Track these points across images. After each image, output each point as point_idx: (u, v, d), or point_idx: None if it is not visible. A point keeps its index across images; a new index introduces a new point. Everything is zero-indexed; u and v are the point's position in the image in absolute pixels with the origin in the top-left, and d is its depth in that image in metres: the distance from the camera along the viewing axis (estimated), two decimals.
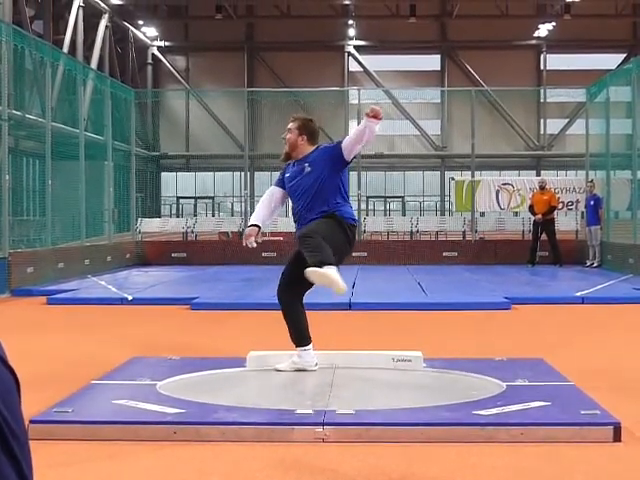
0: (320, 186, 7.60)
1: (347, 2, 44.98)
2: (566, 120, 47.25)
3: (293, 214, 7.76)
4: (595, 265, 22.84)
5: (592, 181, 24.54)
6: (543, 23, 46.95)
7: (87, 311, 14.25)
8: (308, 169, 7.61)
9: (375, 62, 48.60)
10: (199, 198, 47.76)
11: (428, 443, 5.60)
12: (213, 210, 47.16)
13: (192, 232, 28.47)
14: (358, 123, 7.79)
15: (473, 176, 28.04)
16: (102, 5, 39.36)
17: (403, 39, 47.00)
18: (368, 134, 7.36)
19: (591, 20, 45.40)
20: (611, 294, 15.74)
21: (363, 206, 29.77)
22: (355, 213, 7.90)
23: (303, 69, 46.37)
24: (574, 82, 38.27)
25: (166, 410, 6.08)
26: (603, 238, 23.14)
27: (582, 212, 24.46)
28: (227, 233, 29.88)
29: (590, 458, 5.30)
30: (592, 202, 23.31)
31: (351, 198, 8.05)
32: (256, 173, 44.84)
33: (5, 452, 1.58)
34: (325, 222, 7.42)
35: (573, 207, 27.08)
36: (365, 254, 22.27)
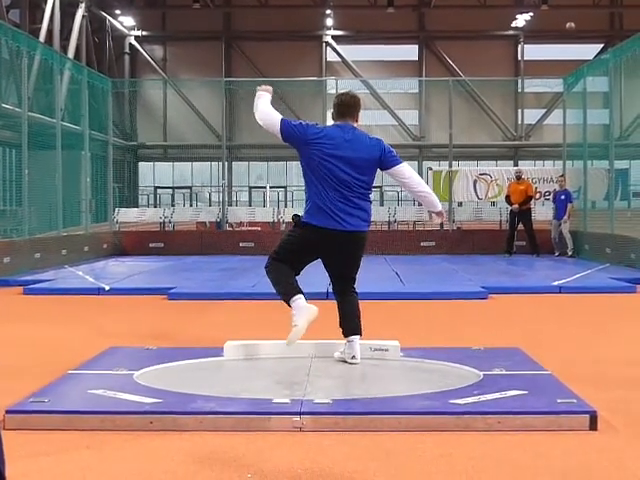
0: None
1: None
2: (543, 110, 47.45)
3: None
4: (570, 254, 22.89)
5: (563, 175, 24.66)
6: (521, 13, 47.09)
7: (64, 301, 14.22)
8: None
9: (353, 52, 48.62)
10: (177, 188, 47.69)
11: (405, 432, 5.61)
12: (191, 200, 47.12)
13: (170, 222, 28.43)
14: None
15: (451, 166, 28.11)
16: None
17: (381, 29, 47.06)
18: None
19: (568, 10, 45.48)
20: (588, 283, 15.79)
21: None
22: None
23: (281, 59, 46.33)
24: (551, 72, 38.48)
25: (143, 400, 6.07)
26: (580, 228, 23.20)
27: (554, 205, 24.41)
28: (205, 223, 29.85)
29: (566, 446, 5.33)
30: (562, 197, 23.35)
31: None
32: (234, 163, 44.80)
33: None
34: None
35: (550, 197, 27.17)
36: None
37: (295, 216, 7.58)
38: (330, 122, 7.75)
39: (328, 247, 7.47)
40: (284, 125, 7.43)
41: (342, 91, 8.08)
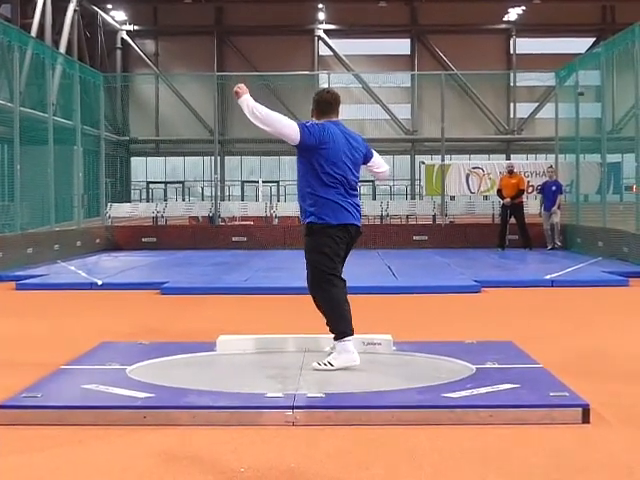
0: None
1: None
2: (535, 104, 47.45)
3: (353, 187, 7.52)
4: (559, 244, 22.95)
5: (552, 167, 24.74)
6: (513, 7, 47.11)
7: (56, 296, 14.21)
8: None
9: (345, 46, 48.59)
10: (169, 183, 47.61)
11: (398, 426, 5.62)
12: (183, 195, 47.08)
13: (162, 217, 28.38)
14: None
15: (443, 160, 28.11)
16: None
17: (373, 23, 47.02)
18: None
19: (560, 4, 45.59)
20: (580, 277, 15.80)
21: None
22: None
23: (273, 53, 46.27)
24: (543, 66, 38.45)
25: (136, 394, 6.07)
26: (572, 221, 23.24)
27: (541, 197, 24.41)
28: (197, 218, 29.81)
29: (559, 440, 5.33)
30: (554, 187, 23.31)
31: None
32: (226, 157, 44.74)
33: None
34: None
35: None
36: None
37: (310, 224, 7.34)
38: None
39: (347, 243, 7.47)
40: (304, 133, 7.17)
41: (321, 88, 8.01)
